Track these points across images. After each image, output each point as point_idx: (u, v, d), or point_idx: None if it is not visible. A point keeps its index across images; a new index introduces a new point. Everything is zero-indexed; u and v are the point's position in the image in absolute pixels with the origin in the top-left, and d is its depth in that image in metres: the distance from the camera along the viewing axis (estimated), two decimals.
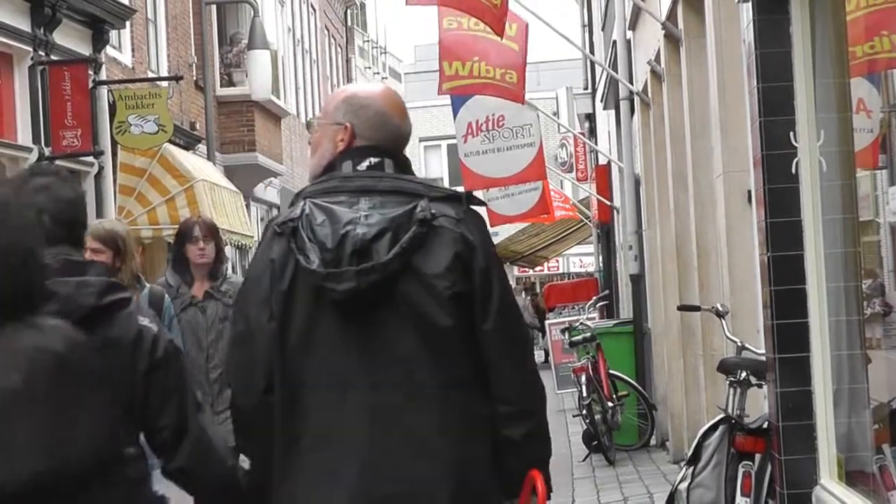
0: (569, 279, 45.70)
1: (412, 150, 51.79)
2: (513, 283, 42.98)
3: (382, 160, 4.07)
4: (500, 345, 3.97)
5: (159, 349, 3.57)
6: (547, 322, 25.98)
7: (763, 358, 7.27)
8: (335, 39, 36.74)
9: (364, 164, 4.05)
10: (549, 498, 3.98)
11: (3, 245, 3.18)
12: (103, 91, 16.91)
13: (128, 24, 18.17)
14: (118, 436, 3.35)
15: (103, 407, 3.25)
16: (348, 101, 4.17)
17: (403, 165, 4.12)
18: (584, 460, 15.19)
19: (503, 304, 3.99)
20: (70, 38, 16.19)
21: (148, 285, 7.39)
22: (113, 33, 17.61)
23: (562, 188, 31.98)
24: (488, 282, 3.97)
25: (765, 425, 7.26)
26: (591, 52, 26.07)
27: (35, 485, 3.11)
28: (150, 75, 19.47)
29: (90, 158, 16.45)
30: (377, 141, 4.10)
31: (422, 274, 3.90)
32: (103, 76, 17.09)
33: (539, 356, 31.00)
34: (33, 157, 15.12)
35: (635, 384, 16.49)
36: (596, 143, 27.21)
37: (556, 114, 38.10)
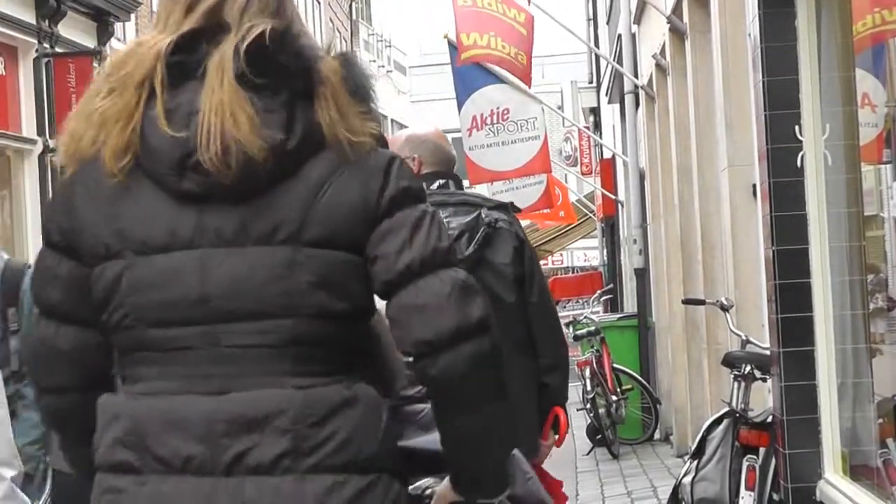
0: (573, 273, 45.70)
1: None
2: None
3: (448, 181, 5.45)
4: (541, 314, 5.40)
5: None
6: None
7: (767, 352, 7.28)
8: (340, 33, 36.75)
9: (435, 185, 5.36)
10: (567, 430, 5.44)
11: None
12: None
13: (132, 16, 18.18)
14: None
15: None
16: (410, 139, 5.53)
17: (459, 182, 5.51)
18: (588, 454, 15.23)
19: (542, 284, 5.45)
20: (75, 31, 16.21)
21: (6, 257, 5.30)
22: (118, 25, 17.61)
23: (566, 182, 31.93)
24: (533, 267, 5.41)
25: (769, 419, 7.27)
26: (596, 45, 26.08)
27: None
28: None
29: None
30: (439, 166, 5.44)
31: (493, 263, 5.28)
32: None
33: None
34: (38, 148, 15.14)
35: (639, 378, 16.50)
36: (601, 137, 27.21)
37: (560, 107, 38.16)
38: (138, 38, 3.03)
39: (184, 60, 2.83)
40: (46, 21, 15.35)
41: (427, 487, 3.12)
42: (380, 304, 2.93)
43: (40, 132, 15.23)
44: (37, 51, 15.22)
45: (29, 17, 15.05)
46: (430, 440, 3.03)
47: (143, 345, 2.89)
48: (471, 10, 15.79)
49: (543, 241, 33.81)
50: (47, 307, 3.00)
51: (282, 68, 2.85)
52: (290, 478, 2.78)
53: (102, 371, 3.01)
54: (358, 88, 2.95)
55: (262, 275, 2.82)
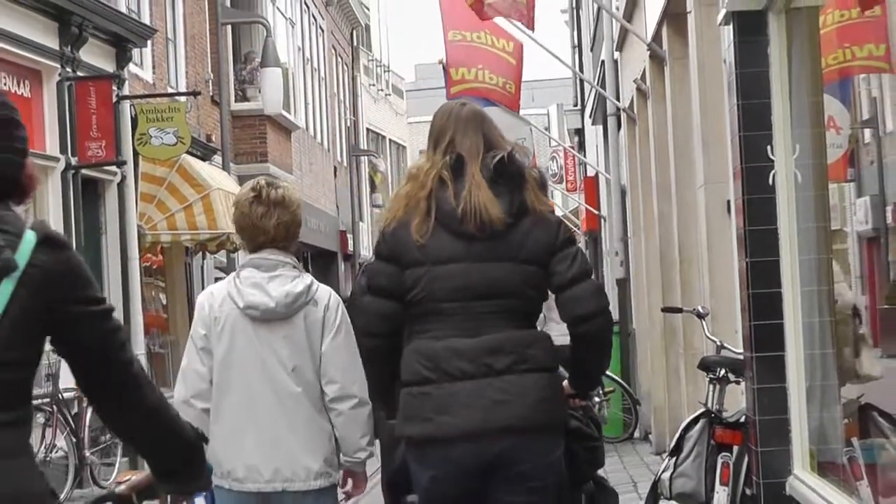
0: None
1: (413, 159, 51.88)
2: None
3: None
4: None
5: None
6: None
7: (741, 357, 7.28)
8: (342, 58, 36.76)
9: None
10: None
11: None
12: (126, 105, 16.92)
13: (149, 42, 18.17)
14: None
15: None
16: None
17: None
18: None
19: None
20: (95, 56, 16.21)
21: None
22: (135, 51, 17.62)
23: (552, 198, 31.97)
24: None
25: (742, 419, 7.26)
26: (581, 71, 26.09)
27: None
28: (170, 91, 19.48)
29: (114, 168, 16.47)
30: None
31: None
32: (126, 91, 17.10)
33: None
34: (61, 166, 15.14)
35: (620, 381, 16.49)
36: (584, 156, 27.23)
37: (547, 129, 38.12)
38: (417, 164, 5.18)
39: (457, 167, 4.98)
40: (69, 47, 15.35)
41: None
42: None
43: (62, 150, 15.22)
44: (60, 74, 15.21)
45: (52, 43, 15.04)
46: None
47: (432, 311, 4.94)
48: (460, 45, 15.79)
49: None
50: (377, 289, 5.06)
51: (508, 173, 4.98)
52: (516, 376, 4.88)
53: (399, 326, 5.03)
54: (542, 185, 5.10)
55: (497, 276, 4.94)
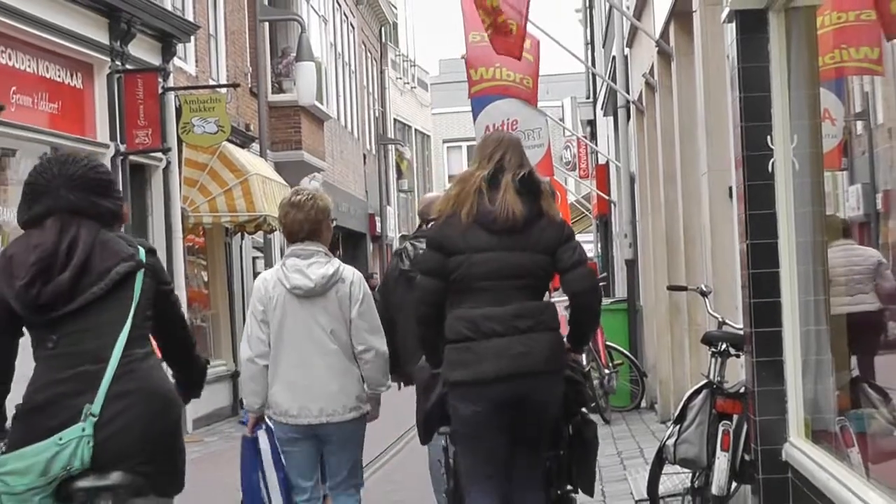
0: None
1: (436, 151, 51.85)
2: None
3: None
4: None
5: None
6: (553, 299, 25.88)
7: (741, 332, 7.27)
8: (371, 53, 36.74)
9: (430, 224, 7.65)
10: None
11: None
12: (171, 96, 16.94)
13: (192, 38, 18.18)
14: None
15: None
16: (436, 200, 7.20)
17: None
18: None
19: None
20: (142, 50, 16.23)
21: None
22: (179, 46, 17.63)
23: (566, 184, 31.88)
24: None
25: (742, 390, 7.26)
26: (594, 66, 26.03)
27: None
28: (211, 83, 19.49)
29: (159, 154, 16.49)
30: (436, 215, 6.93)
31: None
32: (171, 83, 17.12)
33: None
34: (110, 152, 15.17)
35: (628, 354, 16.49)
36: (596, 145, 27.18)
37: (562, 119, 37.99)
38: (467, 171, 6.35)
39: (494, 178, 6.13)
40: (118, 42, 15.36)
41: None
42: None
43: (112, 138, 15.24)
44: (110, 67, 15.22)
45: (103, 39, 15.06)
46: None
47: (470, 289, 6.09)
48: (480, 45, 15.69)
49: None
50: (426, 270, 6.27)
51: (530, 184, 6.14)
52: (536, 334, 6.07)
53: (443, 300, 6.17)
54: (553, 195, 6.28)
55: (521, 262, 6.10)
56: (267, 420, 6.89)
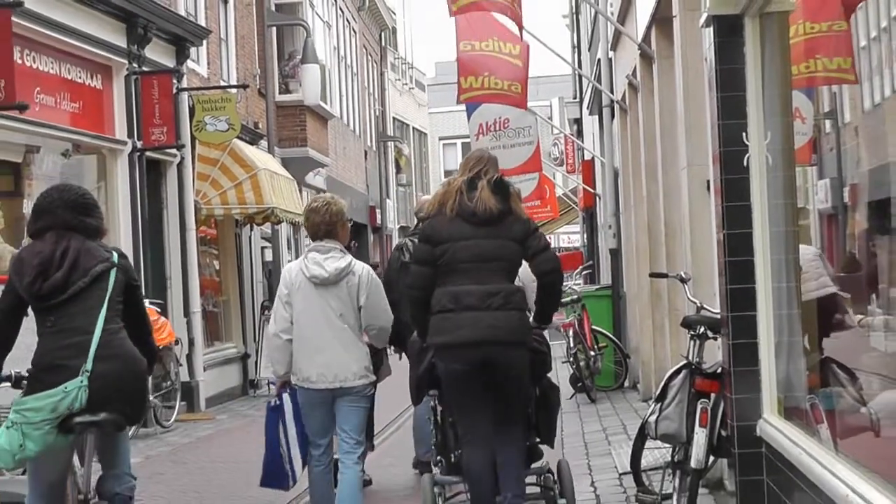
0: (559, 253, 45.53)
1: (433, 148, 51.80)
2: None
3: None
4: None
5: None
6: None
7: (718, 316, 7.28)
8: (371, 56, 36.68)
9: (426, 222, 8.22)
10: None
11: None
12: (184, 96, 16.92)
13: (204, 42, 18.16)
14: None
15: None
16: (430, 200, 7.93)
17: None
18: (570, 398, 15.24)
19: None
20: (158, 53, 16.21)
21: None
22: (192, 49, 17.61)
23: (554, 178, 31.93)
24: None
25: (719, 370, 7.27)
26: (580, 68, 26.01)
27: None
28: (222, 84, 19.45)
29: (174, 150, 16.47)
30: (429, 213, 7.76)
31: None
32: (184, 84, 17.09)
33: None
34: (128, 148, 15.17)
35: (613, 337, 16.52)
36: (582, 142, 27.16)
37: (550, 118, 38.00)
38: (450, 178, 7.36)
39: (472, 182, 7.07)
40: (135, 45, 15.34)
41: None
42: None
43: (129, 135, 15.22)
44: (127, 69, 15.20)
45: (121, 43, 15.04)
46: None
47: (455, 270, 6.99)
48: (470, 55, 15.58)
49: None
50: (417, 260, 7.26)
51: (501, 187, 7.07)
52: (504, 311, 6.92)
53: (431, 284, 7.06)
54: (519, 197, 7.23)
55: (496, 247, 6.97)
56: (291, 383, 7.81)
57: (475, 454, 7.13)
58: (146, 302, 7.31)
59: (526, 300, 7.19)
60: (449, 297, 7.01)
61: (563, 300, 15.86)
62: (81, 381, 5.88)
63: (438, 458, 7.64)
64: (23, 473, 6.92)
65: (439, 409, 7.59)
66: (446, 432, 7.54)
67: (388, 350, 9.24)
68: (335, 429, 7.77)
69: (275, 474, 8.14)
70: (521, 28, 13.59)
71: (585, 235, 31.03)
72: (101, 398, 5.91)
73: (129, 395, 6.07)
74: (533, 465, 7.51)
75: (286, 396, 7.89)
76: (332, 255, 7.63)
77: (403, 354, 9.18)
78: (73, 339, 5.95)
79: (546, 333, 11.68)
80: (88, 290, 6.00)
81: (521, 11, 13.68)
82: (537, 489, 7.59)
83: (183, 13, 17.26)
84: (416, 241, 8.38)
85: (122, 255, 6.19)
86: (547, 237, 7.33)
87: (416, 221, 10.06)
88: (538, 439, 7.52)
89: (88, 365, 5.88)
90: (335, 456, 7.86)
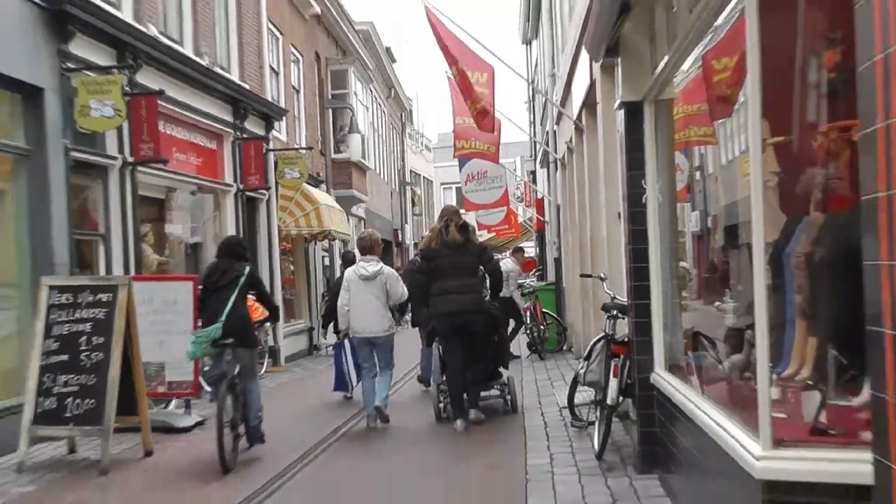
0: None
1: (436, 190, 51.67)
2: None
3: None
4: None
5: None
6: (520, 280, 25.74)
7: (626, 303, 7.29)
8: (395, 128, 36.67)
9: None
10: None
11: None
12: (271, 154, 16.92)
13: (284, 118, 18.17)
14: None
15: None
16: (429, 231, 9.13)
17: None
18: (527, 357, 15.21)
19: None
20: (253, 125, 16.21)
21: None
22: (276, 123, 17.62)
23: (517, 210, 31.87)
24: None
25: (626, 339, 7.28)
26: (535, 136, 25.97)
27: None
28: (296, 146, 19.46)
29: (264, 191, 16.46)
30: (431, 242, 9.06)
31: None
32: (271, 146, 17.10)
33: None
34: (233, 190, 15.15)
35: (556, 316, 16.49)
36: (536, 186, 27.13)
37: (514, 170, 37.91)
38: (433, 226, 8.76)
39: (447, 226, 8.60)
40: (238, 120, 15.35)
41: None
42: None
43: (234, 180, 15.21)
44: (233, 137, 15.22)
45: (229, 118, 15.05)
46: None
47: (441, 273, 8.49)
48: (463, 126, 15.96)
49: (502, 244, 33.75)
50: (420, 271, 8.76)
51: (463, 227, 8.54)
52: (469, 295, 8.53)
53: (427, 284, 8.60)
54: (474, 232, 8.63)
55: (462, 261, 8.49)
56: (350, 334, 9.26)
57: (454, 373, 8.80)
58: (252, 294, 8.45)
59: (483, 287, 8.85)
60: (439, 288, 8.65)
61: (524, 292, 15.92)
62: (219, 326, 7.68)
63: (442, 376, 9.13)
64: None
65: (440, 349, 9.18)
66: (444, 362, 9.06)
67: (405, 318, 11.30)
68: (374, 358, 9.07)
69: (340, 382, 10.37)
70: (493, 111, 13.63)
71: (537, 248, 30.99)
72: (227, 333, 7.70)
73: (239, 332, 7.77)
74: (496, 381, 9.50)
75: (346, 342, 10.10)
76: (371, 263, 9.06)
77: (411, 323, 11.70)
78: (218, 305, 7.80)
79: (527, 317, 13.46)
80: (230, 285, 7.83)
81: (493, 103, 13.67)
82: (498, 392, 9.65)
83: (270, 98, 17.26)
84: (419, 258, 9.40)
85: (250, 269, 7.94)
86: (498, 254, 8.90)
87: (419, 248, 10.85)
88: (500, 367, 9.38)
89: (224, 317, 7.70)
90: (376, 370, 9.19)
